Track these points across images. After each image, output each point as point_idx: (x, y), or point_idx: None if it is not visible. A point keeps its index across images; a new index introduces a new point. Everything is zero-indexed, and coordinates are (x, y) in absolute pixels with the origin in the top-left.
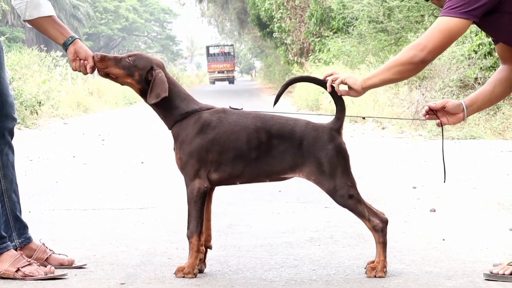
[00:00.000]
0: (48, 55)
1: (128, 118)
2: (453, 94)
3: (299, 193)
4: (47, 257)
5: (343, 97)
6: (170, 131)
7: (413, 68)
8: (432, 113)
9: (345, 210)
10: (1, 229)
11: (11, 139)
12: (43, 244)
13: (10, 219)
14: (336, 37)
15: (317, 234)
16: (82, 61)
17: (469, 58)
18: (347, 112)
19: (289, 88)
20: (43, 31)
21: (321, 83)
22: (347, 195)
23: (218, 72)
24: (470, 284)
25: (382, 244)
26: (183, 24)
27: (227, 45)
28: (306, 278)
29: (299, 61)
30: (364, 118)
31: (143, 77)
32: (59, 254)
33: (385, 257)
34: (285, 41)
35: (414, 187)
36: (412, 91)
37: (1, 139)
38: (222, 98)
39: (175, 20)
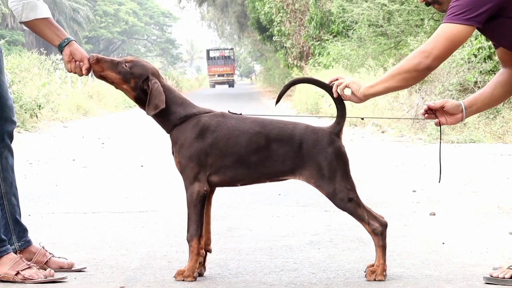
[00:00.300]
0: (48, 58)
1: (127, 122)
2: (453, 98)
3: (299, 196)
4: (47, 260)
5: (344, 102)
6: (169, 135)
7: (418, 75)
8: (431, 112)
9: (345, 213)
10: (0, 232)
11: (11, 142)
12: (43, 247)
13: (9, 222)
14: (335, 41)
15: (316, 238)
16: (77, 62)
17: (468, 62)
18: (347, 114)
19: (289, 92)
20: (39, 33)
21: (324, 86)
22: (346, 199)
23: (218, 76)
24: None
25: (382, 247)
26: (183, 28)
27: (227, 49)
28: (306, 282)
29: (298, 64)
30: (363, 118)
31: (138, 85)
32: (59, 257)
33: (384, 260)
34: (284, 45)
35: (414, 191)
36: (411, 94)
37: (0, 142)
38: (222, 101)
39: (175, 23)
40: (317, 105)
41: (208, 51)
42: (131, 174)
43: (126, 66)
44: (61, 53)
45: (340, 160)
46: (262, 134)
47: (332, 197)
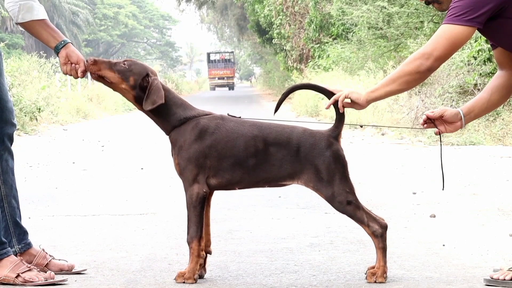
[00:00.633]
0: (48, 62)
1: (127, 124)
2: (453, 100)
3: (299, 199)
4: (47, 263)
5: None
6: (168, 136)
7: (420, 77)
8: (430, 122)
9: (345, 216)
10: (1, 235)
11: (11, 145)
12: (43, 250)
13: (10, 225)
14: (335, 43)
15: (317, 240)
16: (73, 65)
17: (468, 64)
18: (347, 118)
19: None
20: (36, 35)
21: (323, 91)
22: (345, 202)
23: (219, 79)
24: None
25: (382, 249)
26: (183, 31)
27: (228, 52)
28: (306, 284)
29: (298, 67)
30: (362, 126)
31: (137, 82)
32: (59, 260)
33: (385, 262)
34: (284, 47)
35: (414, 193)
36: (411, 97)
37: (0, 144)
38: (222, 104)
39: (175, 26)
40: (317, 108)
41: (208, 54)
42: (131, 177)
43: (124, 64)
44: (57, 55)
45: (339, 163)
46: (260, 138)
47: (331, 200)
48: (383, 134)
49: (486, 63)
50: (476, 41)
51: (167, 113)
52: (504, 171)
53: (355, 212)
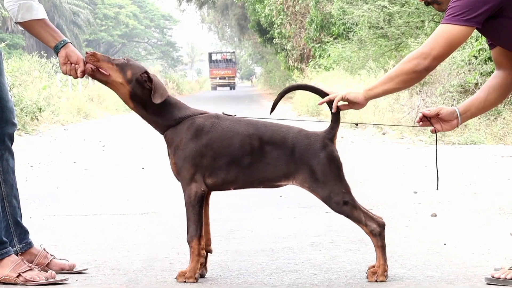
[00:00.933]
0: (49, 62)
1: (128, 124)
2: (454, 100)
3: (300, 198)
4: (48, 262)
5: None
6: (163, 136)
7: (417, 77)
8: (426, 120)
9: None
10: (2, 234)
11: (11, 145)
12: (44, 249)
13: (10, 224)
14: (336, 43)
15: (318, 239)
16: (72, 65)
17: (469, 64)
18: (348, 116)
19: (290, 94)
20: (35, 34)
21: (319, 92)
22: (342, 202)
23: (220, 78)
24: None
25: (381, 248)
26: (183, 30)
27: (229, 52)
28: (308, 283)
29: (299, 67)
30: (357, 124)
31: (135, 77)
32: (60, 259)
33: (385, 260)
34: (285, 47)
35: (415, 192)
36: (412, 96)
37: (1, 144)
38: (223, 104)
39: (175, 26)
40: (318, 107)
41: (210, 54)
42: (132, 177)
43: (124, 59)
44: (57, 55)
45: (333, 164)
46: (256, 137)
47: (327, 201)
48: (384, 134)
49: (487, 62)
50: (477, 40)
51: (161, 112)
52: (505, 170)
53: (352, 212)
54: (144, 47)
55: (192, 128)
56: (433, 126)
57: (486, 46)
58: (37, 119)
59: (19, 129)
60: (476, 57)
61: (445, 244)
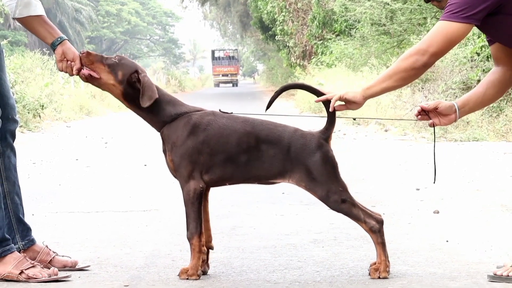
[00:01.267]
0: (51, 59)
1: (130, 121)
2: (456, 96)
3: (302, 195)
4: (51, 259)
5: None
6: (159, 133)
7: (416, 74)
8: (424, 113)
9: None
10: (4, 232)
11: (13, 141)
12: (46, 246)
13: (13, 221)
14: (338, 40)
15: (320, 236)
16: (68, 62)
17: (471, 60)
18: (350, 112)
19: (292, 91)
20: (33, 30)
21: (315, 92)
22: (340, 200)
23: (223, 75)
24: (474, 285)
25: (381, 244)
26: (186, 27)
27: (232, 49)
28: (310, 280)
29: (301, 63)
30: (354, 119)
31: (125, 77)
32: (63, 256)
33: (386, 257)
34: (287, 44)
35: (418, 189)
36: (414, 93)
37: (3, 141)
38: (225, 101)
39: (178, 23)
40: (320, 104)
41: (213, 52)
42: (134, 174)
43: (115, 59)
44: (54, 51)
45: (329, 164)
46: (252, 134)
47: (325, 200)
48: (386, 131)
49: (489, 59)
50: (479, 37)
51: (157, 109)
52: (507, 167)
53: (351, 209)
54: (146, 44)
55: (188, 125)
56: (431, 120)
57: None
58: (39, 116)
59: (21, 126)
60: (478, 54)
61: (447, 241)
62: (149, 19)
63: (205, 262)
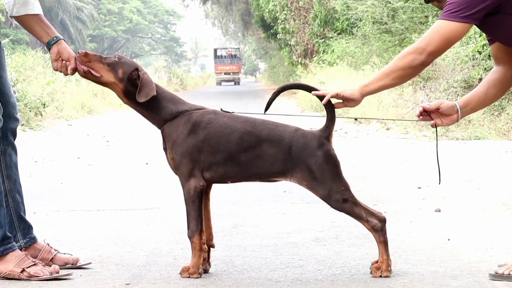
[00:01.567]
0: None
1: (132, 120)
2: (458, 95)
3: (304, 193)
4: (52, 257)
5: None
6: (160, 131)
7: (413, 72)
8: (426, 114)
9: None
10: (6, 230)
11: (14, 140)
12: (48, 244)
13: (14, 219)
14: (340, 38)
15: (322, 234)
16: (63, 61)
17: (473, 59)
18: (352, 112)
19: (294, 90)
20: (29, 29)
21: (311, 89)
22: (341, 199)
23: (225, 74)
24: (476, 284)
25: (383, 243)
26: (187, 26)
27: (234, 48)
28: (312, 278)
29: (303, 62)
30: (356, 119)
31: (126, 75)
32: (64, 253)
33: (388, 255)
34: (289, 43)
35: (419, 188)
36: (416, 92)
37: (4, 139)
38: (227, 99)
39: (179, 21)
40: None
41: (215, 50)
42: (136, 172)
43: (114, 58)
44: (49, 51)
45: (330, 163)
46: (253, 134)
47: (327, 199)
48: (388, 129)
49: (491, 57)
50: (480, 35)
51: (158, 107)
52: (509, 165)
53: (353, 208)
54: (148, 43)
55: (189, 123)
56: (433, 120)
57: None
58: (41, 115)
59: (23, 125)
60: (480, 53)
61: (449, 240)
62: (150, 17)
63: (206, 260)
